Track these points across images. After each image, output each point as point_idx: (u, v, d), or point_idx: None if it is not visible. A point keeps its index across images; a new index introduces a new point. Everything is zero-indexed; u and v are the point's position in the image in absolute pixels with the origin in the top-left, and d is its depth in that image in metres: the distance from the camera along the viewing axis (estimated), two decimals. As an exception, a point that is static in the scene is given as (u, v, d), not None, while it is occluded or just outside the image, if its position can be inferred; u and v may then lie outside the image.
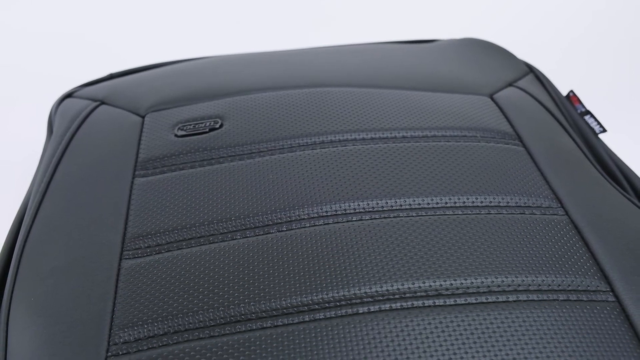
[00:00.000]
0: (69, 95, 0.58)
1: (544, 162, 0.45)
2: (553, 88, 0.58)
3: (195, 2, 0.99)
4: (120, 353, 0.34)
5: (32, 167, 0.65)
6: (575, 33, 0.93)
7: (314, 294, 0.35)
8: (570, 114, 0.56)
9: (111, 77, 0.62)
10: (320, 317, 0.34)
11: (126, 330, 0.35)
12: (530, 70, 0.60)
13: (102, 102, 0.54)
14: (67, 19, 0.96)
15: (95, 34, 0.94)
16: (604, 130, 0.56)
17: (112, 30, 0.95)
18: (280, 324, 0.34)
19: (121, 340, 0.34)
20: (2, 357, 0.36)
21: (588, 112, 0.57)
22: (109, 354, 0.34)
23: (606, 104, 0.71)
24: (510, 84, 0.56)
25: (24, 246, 0.41)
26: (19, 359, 0.35)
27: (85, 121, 0.52)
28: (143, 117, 0.51)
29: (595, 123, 0.56)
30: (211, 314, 0.34)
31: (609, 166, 0.51)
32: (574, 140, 0.50)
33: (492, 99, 0.52)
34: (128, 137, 0.48)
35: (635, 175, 0.50)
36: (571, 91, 0.58)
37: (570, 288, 0.35)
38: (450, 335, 0.32)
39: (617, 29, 0.94)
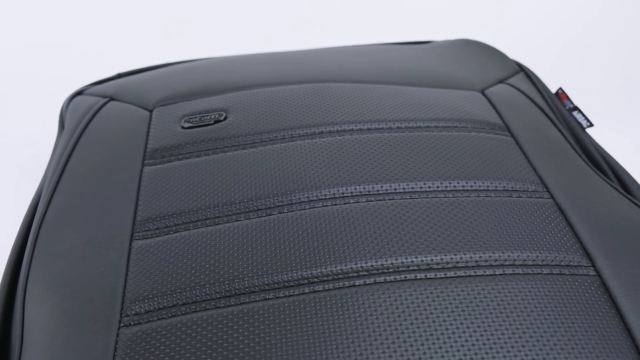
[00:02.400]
0: (79, 93, 0.61)
1: (532, 151, 0.47)
2: (542, 85, 0.61)
3: (197, 8, 1.01)
4: (132, 323, 0.36)
5: (39, 164, 0.68)
6: (567, 36, 0.96)
7: (314, 269, 0.37)
8: (559, 110, 0.58)
9: (119, 76, 0.65)
10: (320, 289, 0.36)
11: (137, 303, 0.37)
12: (521, 69, 0.63)
13: (112, 99, 0.57)
14: (71, 23, 0.99)
15: (99, 39, 0.97)
16: (591, 125, 0.58)
17: (114, 36, 0.97)
18: (282, 295, 0.36)
19: (133, 312, 0.37)
20: (19, 330, 0.38)
21: (576, 108, 0.59)
22: (122, 324, 0.36)
23: (596, 102, 0.74)
24: (501, 81, 0.59)
25: (39, 230, 0.44)
26: (36, 332, 0.38)
27: (95, 116, 0.54)
28: (151, 111, 0.53)
29: (583, 118, 0.59)
30: (217, 288, 0.37)
31: (595, 157, 0.53)
32: (561, 132, 0.52)
33: (483, 94, 0.55)
34: (137, 129, 0.51)
35: (620, 166, 0.52)
36: (560, 88, 0.61)
37: (553, 263, 0.38)
38: (440, 305, 0.35)
39: (608, 32, 0.97)
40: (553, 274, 0.37)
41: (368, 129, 0.48)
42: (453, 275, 0.37)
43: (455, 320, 0.34)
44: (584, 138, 0.56)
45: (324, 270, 0.37)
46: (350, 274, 0.37)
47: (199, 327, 0.35)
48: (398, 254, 0.37)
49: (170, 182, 0.45)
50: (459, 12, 1.02)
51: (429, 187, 0.42)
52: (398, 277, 0.36)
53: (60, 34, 0.97)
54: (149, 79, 0.60)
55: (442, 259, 0.37)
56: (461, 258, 0.37)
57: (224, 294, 0.36)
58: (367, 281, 0.36)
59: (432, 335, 0.33)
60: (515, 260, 0.38)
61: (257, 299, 0.36)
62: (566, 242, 0.39)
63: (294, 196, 0.42)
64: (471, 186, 0.43)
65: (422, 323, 0.34)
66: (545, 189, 0.44)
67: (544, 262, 0.38)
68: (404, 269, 0.37)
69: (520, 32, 0.97)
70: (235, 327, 0.35)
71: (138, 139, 0.50)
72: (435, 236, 0.39)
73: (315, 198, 0.42)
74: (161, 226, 0.42)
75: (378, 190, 0.42)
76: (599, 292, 0.36)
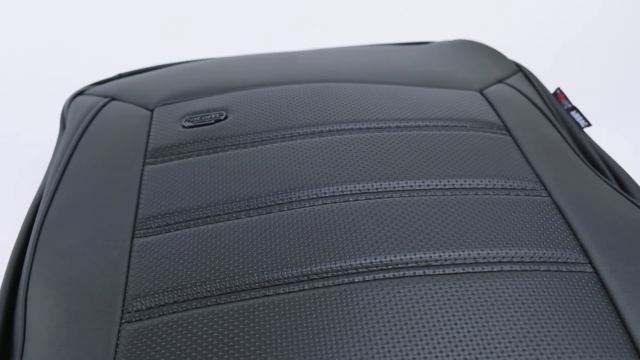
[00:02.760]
0: (80, 93, 0.61)
1: (530, 150, 0.48)
2: (541, 86, 0.61)
3: (197, 8, 1.02)
4: (133, 320, 0.36)
5: (40, 164, 0.68)
6: (566, 36, 0.97)
7: (313, 265, 0.37)
8: (557, 109, 0.59)
9: (120, 76, 0.65)
10: (319, 285, 0.36)
11: (139, 299, 0.37)
12: (519, 69, 0.63)
13: (113, 98, 0.57)
14: (72, 24, 0.99)
15: (99, 39, 0.97)
16: (589, 124, 0.58)
17: (115, 36, 0.98)
18: (282, 292, 0.36)
19: (134, 308, 0.37)
20: (22, 327, 0.39)
21: (574, 108, 0.60)
22: (123, 321, 0.36)
23: (594, 102, 0.74)
24: (499, 81, 0.59)
25: (40, 228, 0.44)
26: (38, 328, 0.38)
27: (97, 115, 0.55)
28: (152, 110, 0.54)
29: (581, 118, 0.59)
30: (218, 284, 0.37)
31: (592, 156, 0.53)
32: (559, 132, 0.53)
33: (482, 94, 0.55)
34: (138, 128, 0.51)
35: (618, 165, 0.53)
36: (558, 88, 0.61)
37: (551, 260, 0.38)
38: (438, 301, 0.35)
39: (606, 33, 0.97)
40: (550, 270, 0.37)
41: (367, 128, 0.48)
42: (451, 272, 0.37)
43: (453, 316, 0.34)
44: (581, 137, 0.56)
45: (324, 267, 0.37)
46: (350, 271, 0.37)
47: (199, 323, 0.35)
48: (397, 251, 0.38)
49: (171, 180, 0.45)
50: (459, 12, 1.02)
51: (428, 185, 0.43)
52: (397, 274, 0.37)
53: (61, 34, 0.98)
54: (149, 79, 0.60)
55: (440, 255, 0.38)
56: (459, 255, 0.38)
57: (224, 291, 0.37)
58: (366, 278, 0.37)
59: (430, 331, 0.34)
60: (513, 257, 0.38)
61: (257, 295, 0.36)
62: (563, 240, 0.40)
63: (294, 194, 0.42)
64: (470, 184, 0.43)
65: (420, 319, 0.34)
66: (543, 187, 0.44)
67: (542, 259, 0.38)
68: (403, 265, 0.37)
69: (518, 32, 0.98)
70: (235, 323, 0.35)
71: (139, 138, 0.50)
72: (433, 233, 0.39)
73: (314, 196, 0.42)
74: (162, 224, 0.42)
75: (377, 189, 0.42)
76: (596, 289, 0.37)
